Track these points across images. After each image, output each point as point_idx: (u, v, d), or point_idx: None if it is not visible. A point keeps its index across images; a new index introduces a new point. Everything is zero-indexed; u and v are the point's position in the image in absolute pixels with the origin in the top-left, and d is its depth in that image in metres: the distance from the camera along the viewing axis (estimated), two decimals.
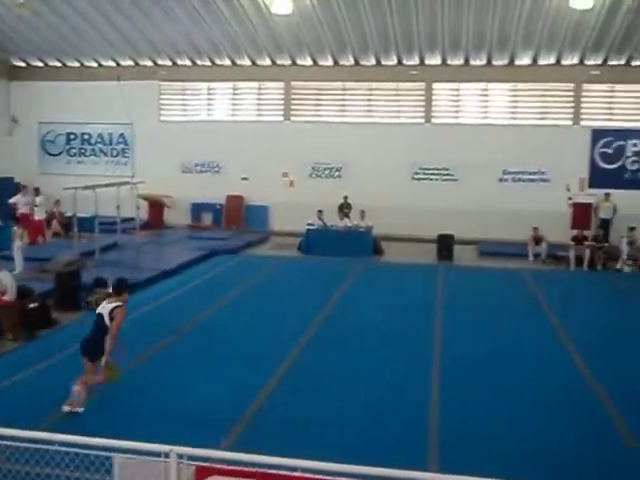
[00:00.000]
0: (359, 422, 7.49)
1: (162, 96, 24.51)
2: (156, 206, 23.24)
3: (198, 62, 23.65)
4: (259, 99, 24.15)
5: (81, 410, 7.43)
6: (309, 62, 22.89)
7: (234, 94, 24.27)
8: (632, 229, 18.32)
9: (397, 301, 13.56)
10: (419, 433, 7.21)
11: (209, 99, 24.49)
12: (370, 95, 23.32)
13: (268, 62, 23.13)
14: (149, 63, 24.03)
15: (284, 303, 13.10)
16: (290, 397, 8.19)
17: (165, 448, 4.07)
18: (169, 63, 23.91)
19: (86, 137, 25.15)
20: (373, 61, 22.42)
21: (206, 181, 23.86)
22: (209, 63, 23.57)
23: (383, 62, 22.44)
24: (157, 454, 4.09)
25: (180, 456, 4.08)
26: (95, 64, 24.42)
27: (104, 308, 7.71)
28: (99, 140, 25.04)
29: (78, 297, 12.60)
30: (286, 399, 8.12)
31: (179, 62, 23.81)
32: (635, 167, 21.80)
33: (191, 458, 4.10)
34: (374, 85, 23.12)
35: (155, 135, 24.06)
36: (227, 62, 23.40)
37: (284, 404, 7.95)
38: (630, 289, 15.59)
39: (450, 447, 6.84)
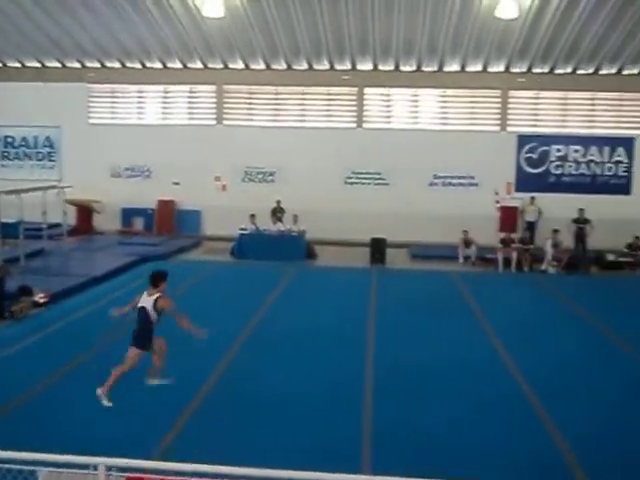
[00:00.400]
0: (293, 425, 7.47)
1: (91, 99, 23.91)
2: (84, 211, 22.67)
3: (128, 64, 23.17)
4: (191, 102, 23.86)
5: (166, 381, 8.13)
6: (241, 65, 22.76)
7: (165, 97, 23.91)
8: (556, 231, 18.95)
9: (331, 305, 13.62)
10: (353, 435, 7.24)
11: (139, 102, 24.03)
12: (302, 99, 23.39)
13: (199, 65, 22.88)
14: (76, 65, 23.41)
15: (217, 308, 12.94)
16: (224, 402, 8.10)
17: (93, 460, 3.94)
18: (97, 65, 23.34)
19: (9, 140, 24.28)
20: (305, 65, 22.48)
21: (137, 185, 23.41)
22: (139, 65, 23.14)
23: (315, 66, 22.53)
24: (85, 467, 3.96)
25: (109, 468, 3.96)
26: (18, 64, 23.62)
27: (145, 301, 7.97)
28: (23, 143, 24.22)
29: (2, 306, 12.13)
30: (220, 404, 8.03)
31: (108, 64, 23.26)
32: (559, 171, 22.58)
33: (121, 470, 3.98)
34: (306, 89, 23.20)
35: (83, 138, 23.44)
36: (158, 65, 23.02)
37: (218, 409, 7.86)
38: (554, 289, 16.14)
39: (384, 448, 6.89)
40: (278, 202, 21.19)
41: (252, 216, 20.05)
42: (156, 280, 8.08)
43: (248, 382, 8.85)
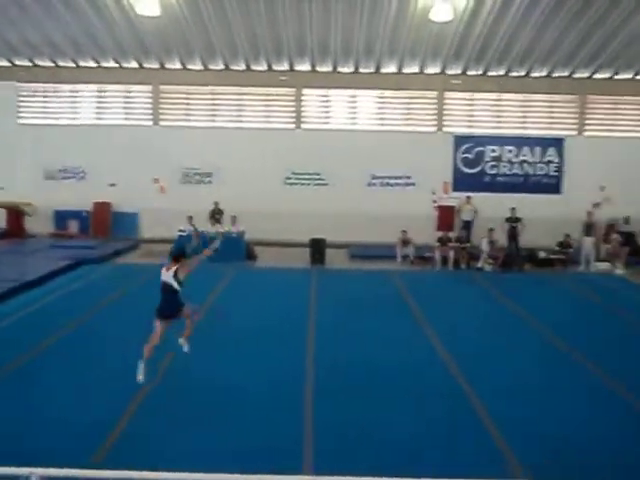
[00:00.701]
0: (234, 425, 7.40)
1: (21, 98, 23.20)
2: (15, 214, 21.98)
3: (60, 63, 22.58)
4: (126, 102, 23.42)
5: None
6: (178, 66, 22.48)
7: (99, 97, 23.37)
8: (491, 230, 19.38)
9: (271, 305, 13.59)
10: (294, 434, 7.22)
11: (73, 102, 23.43)
12: (240, 100, 23.25)
13: (135, 65, 22.49)
14: (6, 63, 22.67)
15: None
16: (163, 404, 7.96)
17: (24, 470, 3.81)
18: (28, 64, 22.67)
19: None
20: (243, 66, 22.37)
21: (71, 187, 22.83)
22: (72, 64, 22.58)
23: (253, 67, 22.45)
24: (15, 477, 3.82)
25: (42, 479, 3.84)
26: None
27: (165, 276, 8.63)
28: None
29: None
30: (159, 406, 7.89)
31: (39, 63, 22.62)
32: (494, 171, 23.13)
33: None
34: (244, 90, 23.08)
35: (13, 139, 22.76)
36: (91, 63, 22.52)
37: (157, 411, 7.73)
38: (490, 286, 16.50)
39: (325, 447, 6.91)
40: (216, 203, 21.00)
41: (190, 218, 19.79)
42: (177, 256, 8.82)
43: (188, 383, 8.74)
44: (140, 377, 8.24)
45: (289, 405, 8.07)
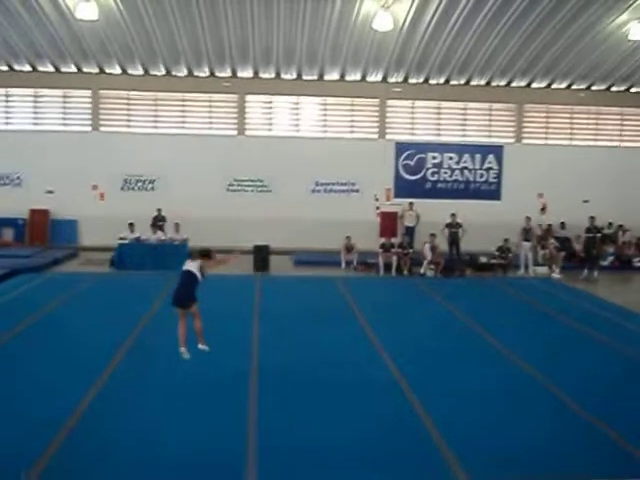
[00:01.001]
0: (173, 436, 7.28)
1: None
2: None
3: None
4: (64, 107, 22.89)
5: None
6: (118, 71, 22.13)
7: (36, 102, 22.79)
8: (433, 235, 19.67)
9: (214, 312, 13.35)
10: (237, 445, 7.14)
11: (7, 106, 22.77)
12: (183, 106, 23.02)
13: (73, 69, 22.02)
14: None
15: (96, 321, 12.45)
16: (104, 416, 7.77)
17: None
18: None
19: None
20: (185, 72, 22.17)
21: (6, 194, 22.17)
22: (6, 68, 21.96)
23: (195, 73, 22.28)
24: None
25: None
26: None
27: (190, 265, 9.69)
28: None
29: None
30: (99, 418, 7.69)
31: None
32: (435, 178, 23.51)
33: None
34: (187, 96, 22.86)
35: None
36: (27, 67, 21.94)
37: (97, 424, 7.52)
38: (432, 291, 16.72)
39: (269, 458, 6.85)
40: (159, 210, 20.74)
41: (131, 225, 19.49)
42: (204, 254, 9.94)
43: (130, 394, 8.55)
44: (186, 355, 9.69)
45: (232, 412, 7.98)
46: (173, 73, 22.24)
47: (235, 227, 21.72)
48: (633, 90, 23.61)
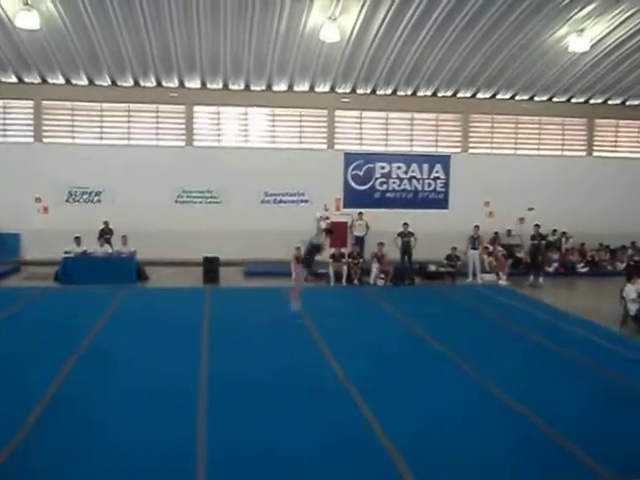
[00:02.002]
0: (122, 446, 7.12)
1: None
2: None
3: None
4: (4, 119, 22.28)
5: None
6: (61, 80, 21.66)
7: None
8: (380, 244, 19.79)
9: (163, 327, 13.22)
10: (187, 456, 7.02)
11: None
12: (129, 117, 22.68)
13: (14, 79, 21.47)
14: None
15: (40, 337, 12.11)
16: (52, 429, 7.55)
17: None
18: None
19: None
20: (131, 82, 21.86)
21: None
22: None
23: (142, 83, 21.99)
24: None
25: None
26: None
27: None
28: None
29: None
30: (47, 432, 7.47)
31: None
32: (383, 188, 23.71)
33: None
34: (133, 106, 22.54)
35: None
36: None
37: (45, 438, 7.31)
38: (382, 300, 16.81)
39: (218, 467, 6.76)
40: (106, 223, 20.37)
41: (77, 238, 19.07)
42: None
43: (79, 408, 8.34)
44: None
45: (181, 423, 7.85)
46: (119, 83, 21.91)
47: (184, 239, 21.49)
48: (574, 101, 24.29)
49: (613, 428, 8.09)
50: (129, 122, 22.72)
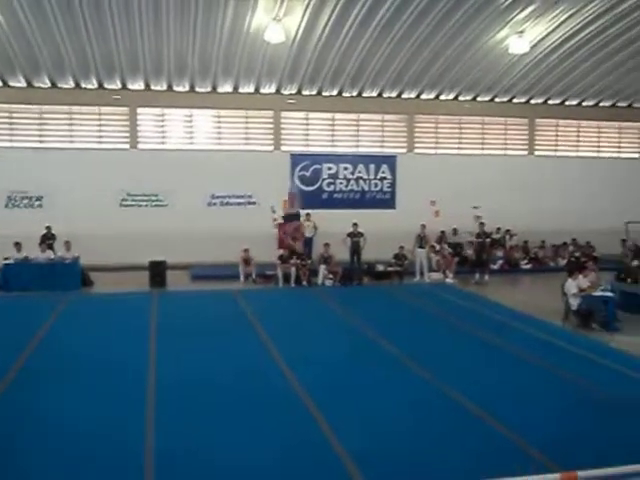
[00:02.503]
0: (71, 459, 6.94)
1: None
2: None
3: None
4: None
5: None
6: None
7: None
8: (326, 245, 19.84)
9: (109, 332, 12.98)
10: (135, 464, 6.90)
11: None
12: (70, 119, 22.16)
13: None
14: None
15: None
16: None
17: None
18: None
19: None
20: (72, 83, 21.37)
21: None
22: None
23: (83, 85, 21.51)
24: None
25: None
26: None
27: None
28: None
29: None
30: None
31: None
32: (331, 188, 23.78)
33: None
34: (75, 109, 22.04)
35: None
36: None
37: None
38: (330, 300, 16.87)
39: (166, 473, 6.66)
40: (48, 228, 19.85)
41: (17, 244, 18.54)
42: None
43: (20, 419, 8.10)
44: None
45: (130, 433, 7.70)
46: (59, 85, 21.38)
47: (130, 243, 21.09)
48: (515, 101, 24.82)
49: (559, 420, 8.27)
50: (71, 125, 22.19)
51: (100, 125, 22.42)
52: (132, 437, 7.57)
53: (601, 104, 25.57)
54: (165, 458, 7.03)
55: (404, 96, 23.81)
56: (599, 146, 26.35)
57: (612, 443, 7.40)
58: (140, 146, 22.56)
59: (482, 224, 21.11)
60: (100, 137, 22.38)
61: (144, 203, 22.39)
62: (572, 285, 14.19)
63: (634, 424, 8.17)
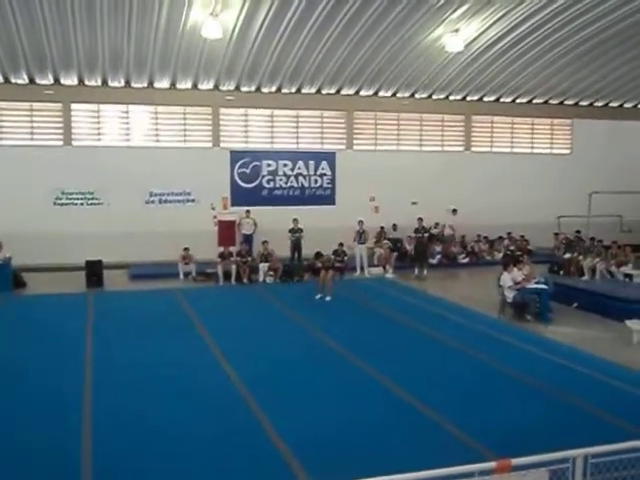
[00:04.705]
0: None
1: None
2: None
3: None
4: None
5: None
6: None
7: None
8: (265, 242, 19.84)
9: (42, 336, 12.64)
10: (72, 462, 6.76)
11: None
12: None
13: None
14: None
15: None
16: None
17: None
18: None
19: None
20: (0, 79, 20.65)
21: None
22: None
23: (13, 80, 20.81)
24: None
25: None
26: None
27: None
28: None
29: None
30: None
31: None
32: (271, 185, 23.70)
33: None
34: (3, 105, 21.30)
35: None
36: None
37: None
38: (271, 297, 16.88)
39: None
40: None
41: None
42: None
43: None
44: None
45: (66, 438, 7.52)
46: None
47: (65, 242, 20.57)
48: (452, 98, 25.22)
49: (491, 408, 8.47)
50: (0, 121, 21.46)
51: (32, 122, 21.74)
52: (69, 442, 7.40)
53: (534, 101, 26.24)
54: (103, 461, 6.92)
55: (343, 92, 23.90)
56: (533, 142, 27.03)
57: (543, 429, 7.62)
58: (75, 143, 21.98)
59: (421, 219, 21.39)
60: (32, 134, 21.70)
61: (79, 201, 21.82)
62: (507, 278, 14.54)
63: (562, 410, 8.46)
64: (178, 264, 19.72)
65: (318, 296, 16.42)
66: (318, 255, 17.29)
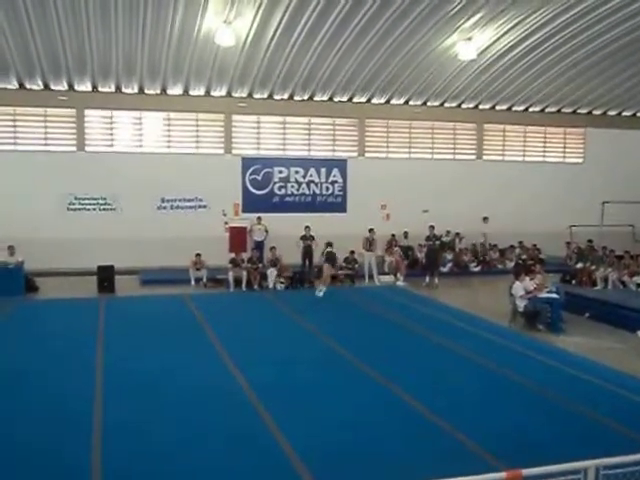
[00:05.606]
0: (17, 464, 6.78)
1: None
2: None
3: None
4: None
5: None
6: None
7: None
8: (274, 248, 19.90)
9: (53, 340, 12.69)
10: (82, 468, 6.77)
11: None
12: (14, 121, 21.58)
13: None
14: None
15: None
16: None
17: None
18: None
19: None
20: (16, 84, 20.83)
21: None
22: None
23: (28, 86, 21.00)
24: None
25: None
26: None
27: None
28: None
29: None
30: None
31: None
32: (282, 192, 23.74)
33: None
34: (18, 110, 21.49)
35: None
36: None
37: None
38: (281, 304, 16.89)
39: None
40: None
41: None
42: None
43: None
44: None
45: (76, 437, 7.54)
46: (2, 86, 20.83)
47: (77, 247, 20.71)
48: (464, 106, 25.20)
49: (503, 417, 8.41)
50: (15, 126, 21.62)
51: (46, 127, 21.90)
52: (79, 445, 7.42)
53: (547, 110, 26.17)
54: (114, 457, 6.96)
55: (355, 100, 23.95)
56: (545, 151, 26.95)
57: (553, 439, 7.57)
58: (88, 149, 22.12)
59: (432, 227, 21.34)
60: (46, 139, 21.87)
61: (92, 207, 21.95)
62: (519, 287, 14.47)
63: (572, 420, 8.39)
64: (189, 270, 19.78)
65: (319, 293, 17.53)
66: (329, 244, 19.04)
